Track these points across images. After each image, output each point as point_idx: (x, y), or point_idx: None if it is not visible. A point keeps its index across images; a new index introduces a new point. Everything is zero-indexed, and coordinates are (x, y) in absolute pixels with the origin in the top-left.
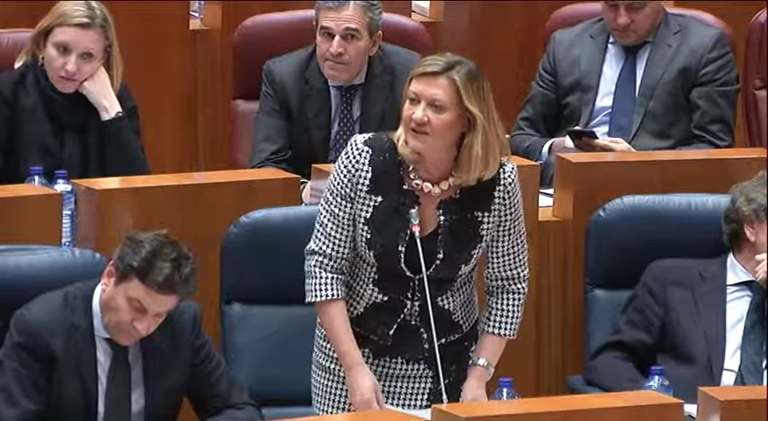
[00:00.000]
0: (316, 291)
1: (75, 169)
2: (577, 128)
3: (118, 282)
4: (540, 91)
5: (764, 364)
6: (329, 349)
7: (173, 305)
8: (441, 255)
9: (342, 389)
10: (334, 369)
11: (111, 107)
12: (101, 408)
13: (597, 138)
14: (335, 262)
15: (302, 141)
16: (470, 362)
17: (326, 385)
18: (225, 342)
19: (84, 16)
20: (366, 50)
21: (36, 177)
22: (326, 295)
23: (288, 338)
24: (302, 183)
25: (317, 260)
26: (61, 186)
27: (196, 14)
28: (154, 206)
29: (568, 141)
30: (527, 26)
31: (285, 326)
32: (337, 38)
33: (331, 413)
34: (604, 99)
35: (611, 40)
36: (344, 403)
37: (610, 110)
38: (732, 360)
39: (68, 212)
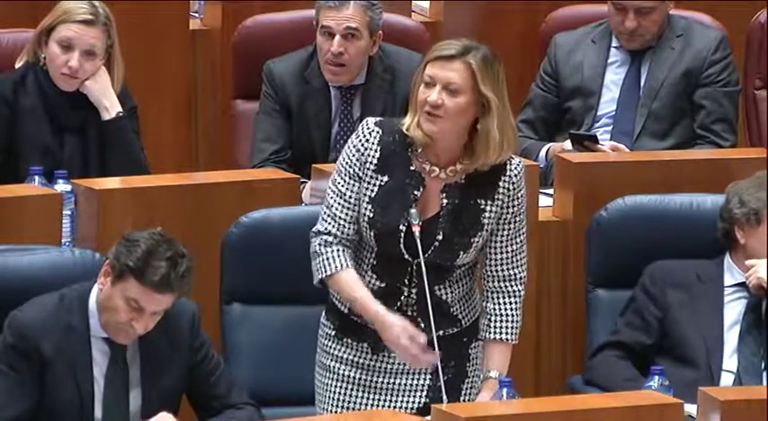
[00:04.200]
0: (324, 266)
1: (76, 169)
2: (580, 131)
3: (114, 282)
4: (540, 94)
5: (763, 365)
6: (332, 348)
7: (170, 303)
8: (440, 237)
9: (343, 388)
10: (336, 368)
11: (111, 107)
12: (98, 408)
13: (599, 142)
14: (340, 241)
15: (302, 141)
16: (482, 372)
17: (328, 384)
18: (225, 342)
19: (88, 13)
20: (366, 50)
21: (36, 177)
22: (336, 267)
23: (288, 338)
24: (302, 183)
25: (321, 239)
26: (61, 186)
27: (196, 14)
28: (154, 206)
29: (568, 145)
30: (527, 26)
31: (285, 326)
32: (338, 37)
33: (333, 412)
34: (607, 104)
35: (614, 43)
36: (346, 402)
37: (613, 115)
38: (730, 361)
39: (68, 212)
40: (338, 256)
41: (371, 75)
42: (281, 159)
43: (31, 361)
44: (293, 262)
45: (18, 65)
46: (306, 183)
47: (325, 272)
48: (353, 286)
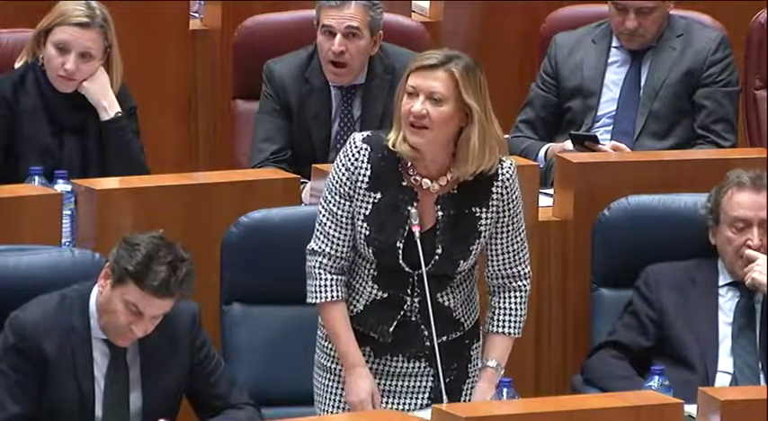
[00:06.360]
0: (317, 292)
1: (75, 169)
2: (580, 132)
3: (114, 285)
4: (539, 94)
5: (760, 366)
6: (331, 349)
7: (169, 307)
8: (439, 251)
9: (342, 389)
10: (335, 369)
11: (110, 107)
12: (98, 409)
13: (599, 142)
14: (335, 261)
15: (302, 141)
16: (481, 363)
17: (328, 385)
18: (225, 342)
19: (84, 16)
20: (367, 50)
21: (36, 177)
22: (327, 297)
23: (288, 338)
24: (302, 183)
25: (317, 260)
26: (61, 186)
27: (196, 14)
28: (154, 206)
29: (568, 145)
30: (527, 26)
31: (285, 327)
32: (339, 36)
33: (332, 413)
34: (607, 104)
35: (614, 43)
36: (345, 403)
37: (613, 115)
38: (726, 362)
39: (68, 212)
40: (330, 286)
41: (372, 74)
42: (281, 159)
43: (32, 361)
44: (293, 262)
45: (18, 65)
46: (306, 183)
47: (316, 299)
48: (337, 327)
